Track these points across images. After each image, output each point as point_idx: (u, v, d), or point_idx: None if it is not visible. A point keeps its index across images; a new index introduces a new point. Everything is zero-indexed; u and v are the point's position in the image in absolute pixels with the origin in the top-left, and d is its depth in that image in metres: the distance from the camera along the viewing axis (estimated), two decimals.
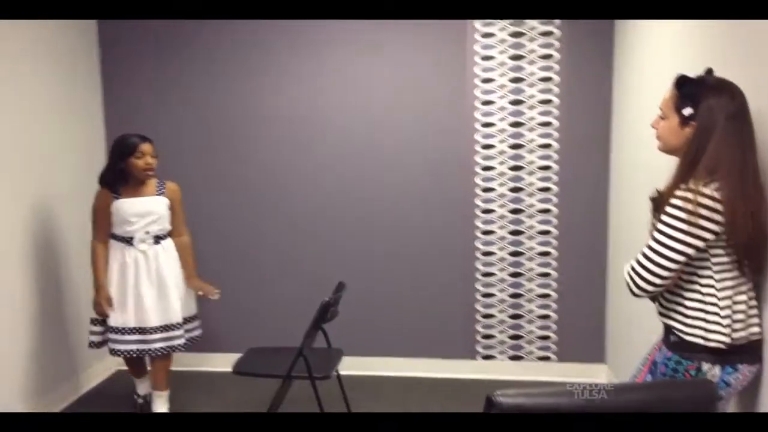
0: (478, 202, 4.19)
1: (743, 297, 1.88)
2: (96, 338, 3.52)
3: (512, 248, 4.21)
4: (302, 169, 4.28)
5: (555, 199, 4.14)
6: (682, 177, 1.88)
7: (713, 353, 1.87)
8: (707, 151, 1.84)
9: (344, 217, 4.28)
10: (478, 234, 4.22)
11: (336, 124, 4.22)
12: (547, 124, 4.08)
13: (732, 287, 1.87)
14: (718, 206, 1.80)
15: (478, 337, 4.31)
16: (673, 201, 1.84)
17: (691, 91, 1.90)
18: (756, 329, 1.89)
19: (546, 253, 4.19)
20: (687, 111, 1.89)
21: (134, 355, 3.50)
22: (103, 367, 4.35)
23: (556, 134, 4.09)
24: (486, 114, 4.11)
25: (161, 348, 3.46)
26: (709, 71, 1.96)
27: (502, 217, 4.19)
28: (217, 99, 4.28)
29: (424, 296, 4.30)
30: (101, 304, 3.40)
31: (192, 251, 3.69)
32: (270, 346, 3.63)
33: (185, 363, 4.39)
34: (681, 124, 1.92)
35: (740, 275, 1.88)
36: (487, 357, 4.32)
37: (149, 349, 3.44)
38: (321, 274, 4.29)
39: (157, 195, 3.49)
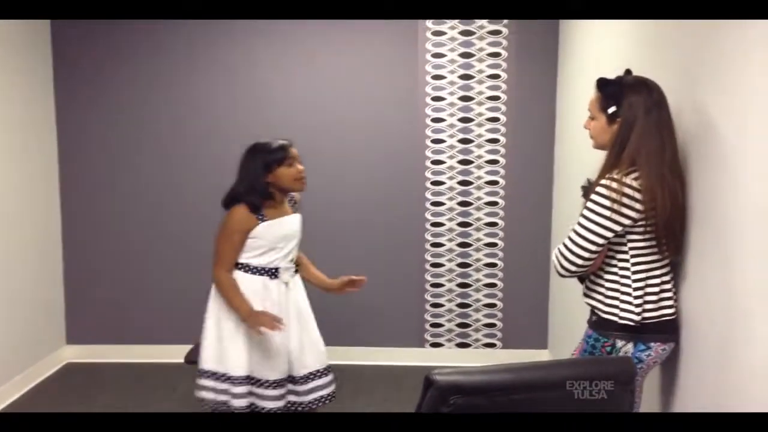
0: (427, 195, 4.31)
1: (657, 280, 2.04)
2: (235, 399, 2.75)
3: (460, 239, 4.35)
4: None
5: (502, 192, 4.29)
6: (608, 168, 2.04)
7: (626, 331, 2.04)
8: (630, 143, 2.00)
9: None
10: (428, 226, 4.35)
11: (290, 122, 4.28)
12: (495, 119, 4.23)
13: (646, 270, 2.03)
14: (637, 195, 1.96)
15: (427, 326, 4.45)
16: (598, 189, 2.00)
17: (613, 90, 2.06)
18: (669, 310, 2.05)
19: (493, 245, 4.35)
20: (611, 109, 2.05)
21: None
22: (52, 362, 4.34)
23: (503, 129, 4.24)
24: (436, 110, 4.24)
25: (315, 400, 2.85)
26: (628, 72, 2.14)
27: (450, 209, 4.32)
28: (168, 99, 4.31)
29: (374, 287, 4.37)
30: (268, 322, 2.62)
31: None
32: None
33: (139, 355, 4.45)
34: (608, 122, 2.08)
35: (658, 259, 2.04)
36: (435, 345, 4.46)
37: (301, 403, 2.84)
38: None
39: (293, 212, 2.89)
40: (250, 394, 2.76)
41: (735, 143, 1.77)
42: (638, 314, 2.01)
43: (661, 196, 1.95)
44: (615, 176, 1.98)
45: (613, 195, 1.96)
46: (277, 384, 2.76)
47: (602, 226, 1.98)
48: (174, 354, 4.10)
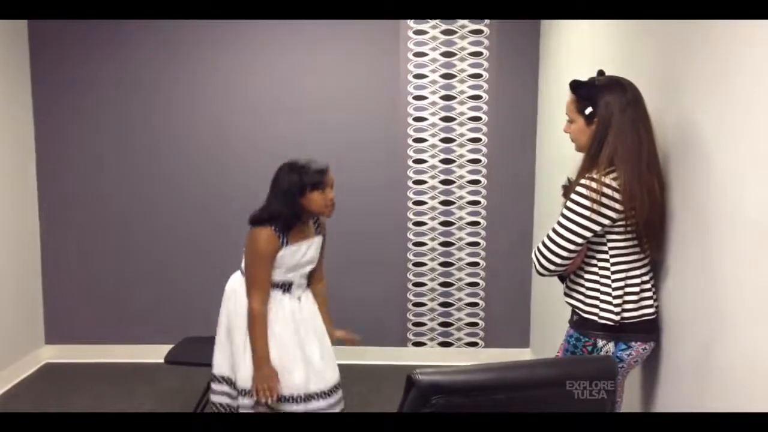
0: (410, 193, 4.31)
1: (637, 280, 2.05)
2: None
3: (442, 239, 4.36)
4: (234, 169, 4.31)
5: (484, 192, 4.30)
6: (587, 168, 2.05)
7: (607, 330, 2.05)
8: (607, 143, 2.01)
9: None
10: (410, 225, 4.35)
11: (271, 121, 4.26)
12: (476, 119, 4.23)
13: (626, 270, 2.04)
14: (616, 195, 1.97)
15: (409, 325, 4.45)
16: (578, 189, 2.00)
17: (587, 92, 2.07)
18: (649, 309, 2.07)
19: (475, 243, 4.35)
20: (588, 111, 2.06)
21: None
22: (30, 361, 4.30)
23: (485, 128, 4.24)
24: (418, 109, 4.24)
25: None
26: (601, 72, 2.14)
27: (433, 208, 4.32)
28: (147, 99, 4.28)
29: (357, 285, 4.40)
30: (273, 380, 2.62)
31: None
32: (204, 336, 3.65)
33: (119, 355, 4.41)
34: (586, 123, 2.08)
35: (638, 259, 2.05)
36: (417, 344, 4.46)
37: None
38: None
39: (316, 235, 2.86)
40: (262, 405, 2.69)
41: (717, 143, 1.78)
42: (617, 314, 2.03)
43: (639, 195, 1.96)
44: (594, 176, 1.99)
45: (593, 195, 1.96)
46: (289, 399, 2.68)
47: (581, 225, 1.99)
48: (154, 354, 4.06)
